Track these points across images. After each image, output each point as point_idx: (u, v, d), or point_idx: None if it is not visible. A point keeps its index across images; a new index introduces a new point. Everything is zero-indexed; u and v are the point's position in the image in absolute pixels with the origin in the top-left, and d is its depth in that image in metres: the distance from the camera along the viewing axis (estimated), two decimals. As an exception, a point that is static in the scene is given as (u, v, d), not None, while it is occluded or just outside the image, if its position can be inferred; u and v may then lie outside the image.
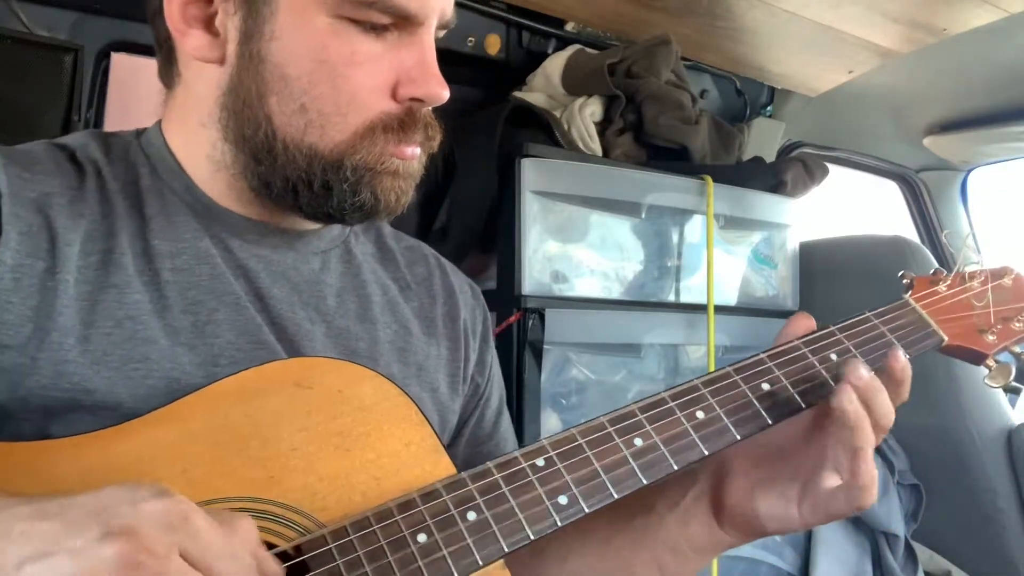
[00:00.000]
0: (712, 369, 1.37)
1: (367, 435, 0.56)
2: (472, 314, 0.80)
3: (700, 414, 0.60)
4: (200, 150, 0.65)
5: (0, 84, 1.00)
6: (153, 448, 0.51)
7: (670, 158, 1.43)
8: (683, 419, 0.60)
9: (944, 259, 1.93)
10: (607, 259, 1.35)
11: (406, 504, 0.52)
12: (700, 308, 1.40)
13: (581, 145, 1.36)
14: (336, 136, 0.61)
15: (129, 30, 1.16)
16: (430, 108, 0.65)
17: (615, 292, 1.36)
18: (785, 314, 1.57)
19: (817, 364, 0.65)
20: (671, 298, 1.42)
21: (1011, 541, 1.47)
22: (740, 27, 1.43)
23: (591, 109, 1.38)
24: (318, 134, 0.61)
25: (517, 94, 1.42)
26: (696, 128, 1.42)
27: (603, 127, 1.40)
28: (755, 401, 0.62)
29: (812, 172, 1.54)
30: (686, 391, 0.62)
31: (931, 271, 0.77)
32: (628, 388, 1.38)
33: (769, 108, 1.75)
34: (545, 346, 1.22)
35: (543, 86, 1.42)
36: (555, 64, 1.40)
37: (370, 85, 0.60)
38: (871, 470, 0.58)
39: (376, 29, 0.60)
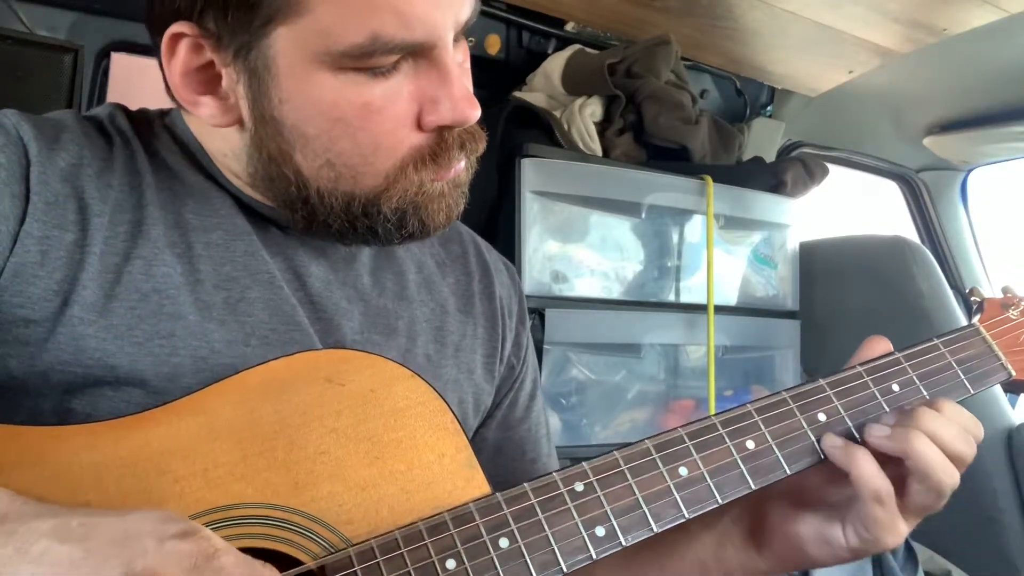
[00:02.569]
0: (712, 369, 1.38)
1: (399, 442, 0.53)
2: (508, 293, 0.78)
3: (750, 444, 0.57)
4: (231, 167, 0.62)
5: (0, 84, 1.00)
6: (173, 442, 0.48)
7: (670, 158, 1.43)
8: (732, 449, 0.56)
9: (944, 259, 1.93)
10: (607, 259, 1.35)
11: (436, 527, 0.50)
12: (700, 308, 1.40)
13: (581, 145, 1.36)
14: (370, 182, 0.58)
15: (129, 30, 1.16)
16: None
17: (615, 292, 1.36)
18: (785, 314, 1.57)
19: (878, 395, 0.61)
20: (671, 298, 1.42)
21: (1011, 541, 1.47)
22: (740, 27, 1.43)
23: (591, 109, 1.38)
24: (351, 183, 0.58)
25: (517, 94, 1.42)
26: (696, 128, 1.42)
27: (603, 127, 1.40)
28: (810, 433, 0.58)
29: (812, 172, 1.54)
30: (737, 417, 0.58)
31: (1002, 291, 0.73)
32: (628, 388, 1.38)
33: (769, 108, 1.75)
34: (545, 346, 1.22)
35: (543, 86, 1.42)
36: (555, 64, 1.40)
37: (391, 128, 0.57)
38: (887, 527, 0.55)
39: (385, 71, 0.55)
